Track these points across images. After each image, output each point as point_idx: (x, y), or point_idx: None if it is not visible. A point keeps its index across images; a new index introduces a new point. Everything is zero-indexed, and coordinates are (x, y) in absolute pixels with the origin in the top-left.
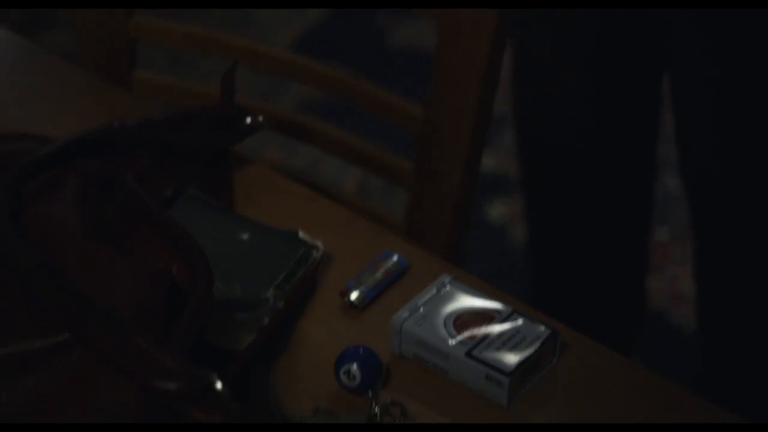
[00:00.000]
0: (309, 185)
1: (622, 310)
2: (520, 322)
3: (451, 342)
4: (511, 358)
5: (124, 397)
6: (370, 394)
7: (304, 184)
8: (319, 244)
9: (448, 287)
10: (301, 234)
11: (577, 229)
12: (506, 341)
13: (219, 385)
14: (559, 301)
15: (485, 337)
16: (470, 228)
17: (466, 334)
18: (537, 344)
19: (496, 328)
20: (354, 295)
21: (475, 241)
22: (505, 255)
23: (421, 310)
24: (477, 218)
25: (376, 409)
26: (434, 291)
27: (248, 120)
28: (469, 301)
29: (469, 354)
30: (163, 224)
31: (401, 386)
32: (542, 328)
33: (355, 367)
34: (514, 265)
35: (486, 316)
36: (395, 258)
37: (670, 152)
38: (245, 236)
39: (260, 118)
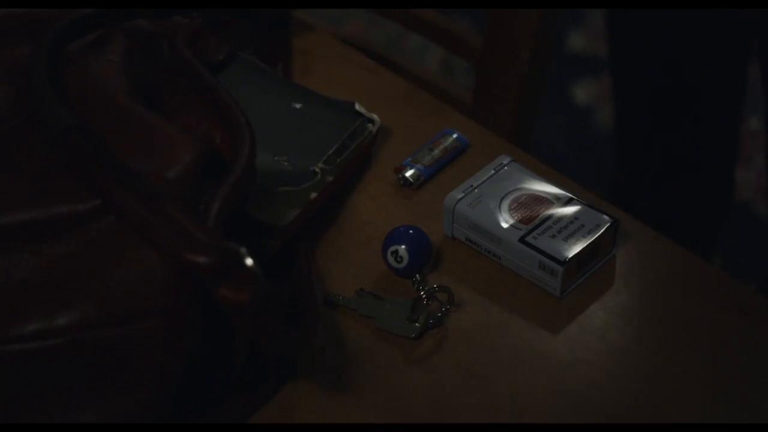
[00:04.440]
0: (390, 59)
1: (708, 201)
2: (579, 208)
3: (505, 226)
4: (567, 247)
5: (153, 269)
6: (417, 277)
7: (385, 57)
8: (375, 117)
9: (506, 168)
10: (358, 105)
11: (663, 113)
12: (563, 228)
13: (249, 261)
14: (641, 191)
15: (541, 222)
16: (538, 109)
17: (522, 218)
18: (596, 233)
19: (554, 214)
20: (409, 173)
21: (561, 121)
22: (590, 136)
23: (476, 191)
24: (563, 99)
25: (423, 293)
26: (491, 171)
27: None
28: (527, 184)
29: (522, 240)
30: (209, 90)
31: (451, 271)
32: (602, 216)
33: (403, 248)
34: (598, 147)
35: (544, 201)
36: (455, 136)
37: None
38: (298, 105)
39: None
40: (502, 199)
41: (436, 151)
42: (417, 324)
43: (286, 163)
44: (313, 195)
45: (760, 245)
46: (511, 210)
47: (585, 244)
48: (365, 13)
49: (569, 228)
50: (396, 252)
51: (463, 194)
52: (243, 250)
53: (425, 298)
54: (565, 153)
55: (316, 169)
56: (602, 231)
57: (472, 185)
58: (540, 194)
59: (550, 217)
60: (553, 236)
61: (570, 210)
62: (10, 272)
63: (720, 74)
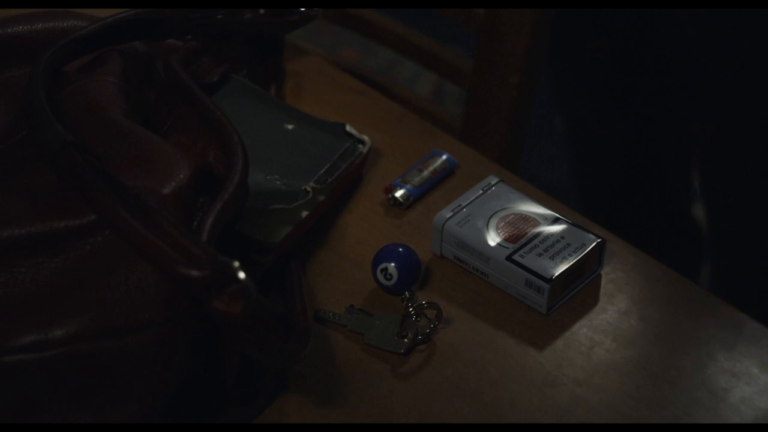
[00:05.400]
0: (382, 86)
1: (685, 228)
2: (565, 227)
3: (493, 245)
4: (554, 265)
5: (148, 282)
6: (406, 294)
7: (378, 84)
8: (366, 138)
9: (494, 188)
10: (349, 127)
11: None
12: (549, 247)
13: (241, 274)
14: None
15: (528, 241)
16: (527, 133)
17: (509, 237)
18: (582, 251)
19: (541, 233)
20: (399, 193)
21: (547, 149)
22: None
23: (465, 210)
24: (551, 126)
25: (412, 310)
26: (479, 192)
27: (303, 9)
28: (514, 204)
29: (510, 258)
30: (204, 109)
31: (440, 288)
32: (589, 235)
33: (392, 265)
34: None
35: (531, 221)
36: (444, 157)
37: None
38: (290, 126)
39: (315, 8)
40: (490, 218)
41: (426, 172)
42: (406, 340)
43: (278, 182)
44: (305, 213)
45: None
46: (499, 229)
47: (571, 263)
48: (358, 41)
49: (556, 246)
50: (385, 269)
51: (451, 213)
52: (236, 264)
53: (414, 314)
54: (551, 180)
55: (308, 189)
56: (588, 249)
57: (460, 205)
58: (527, 214)
59: (537, 235)
60: (540, 254)
61: (556, 229)
62: (7, 285)
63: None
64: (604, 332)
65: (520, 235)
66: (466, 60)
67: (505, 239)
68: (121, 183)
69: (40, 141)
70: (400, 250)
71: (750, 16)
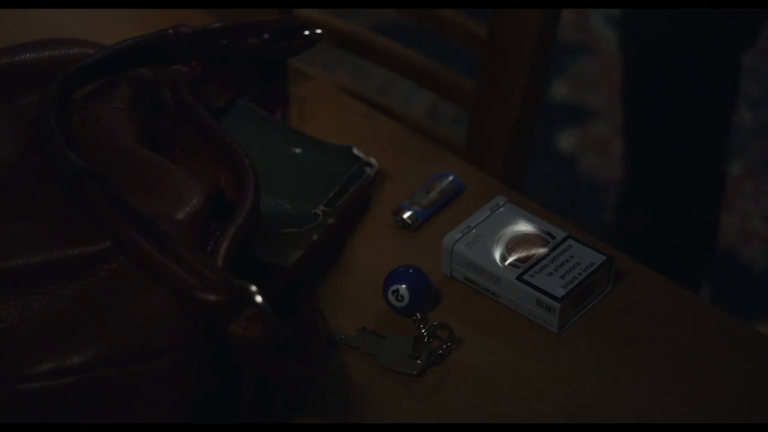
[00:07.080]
0: (378, 108)
1: (692, 245)
2: (574, 247)
3: (503, 265)
4: (564, 284)
5: (164, 308)
6: (417, 315)
7: (374, 106)
8: (373, 160)
9: (502, 209)
10: (355, 150)
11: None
12: (559, 266)
13: (258, 298)
14: (635, 233)
15: (538, 261)
16: (529, 153)
17: (519, 257)
18: (590, 270)
19: (550, 253)
20: (407, 215)
21: (545, 169)
22: (574, 184)
23: (474, 231)
24: (548, 147)
25: (424, 331)
26: (488, 212)
27: (306, 33)
28: (523, 224)
29: (520, 278)
30: (213, 135)
31: (451, 309)
32: (597, 254)
33: (403, 287)
34: (582, 195)
35: (540, 240)
36: (451, 178)
37: (749, 87)
38: (298, 150)
39: (318, 32)
40: (500, 238)
41: (433, 193)
42: (419, 361)
43: (288, 206)
44: (315, 237)
45: (744, 287)
46: (509, 249)
47: (581, 281)
48: (351, 63)
49: (565, 266)
50: (397, 291)
51: (461, 234)
52: (253, 288)
53: (426, 335)
54: (551, 199)
55: (318, 212)
56: (597, 268)
57: (469, 225)
58: (536, 233)
59: (546, 255)
60: (550, 274)
61: (565, 248)
62: (24, 313)
63: (712, 123)
64: (614, 349)
65: (529, 255)
66: (467, 80)
67: (515, 259)
68: (136, 209)
69: (53, 169)
70: (411, 271)
71: None
